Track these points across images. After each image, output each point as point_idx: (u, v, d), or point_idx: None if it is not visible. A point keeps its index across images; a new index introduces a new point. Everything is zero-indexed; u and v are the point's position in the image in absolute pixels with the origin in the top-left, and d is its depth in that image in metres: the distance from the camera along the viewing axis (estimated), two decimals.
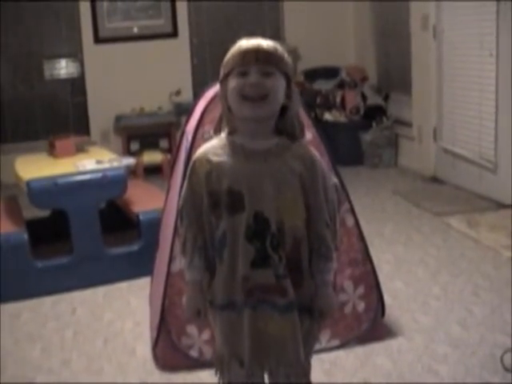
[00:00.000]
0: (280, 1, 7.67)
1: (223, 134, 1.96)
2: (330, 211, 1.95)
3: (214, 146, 1.94)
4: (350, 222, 3.15)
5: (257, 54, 1.85)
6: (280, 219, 1.88)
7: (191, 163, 1.95)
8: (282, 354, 1.94)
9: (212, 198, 1.88)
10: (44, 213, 4.86)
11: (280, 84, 1.88)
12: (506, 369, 2.92)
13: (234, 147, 1.90)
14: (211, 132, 2.03)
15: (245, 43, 1.89)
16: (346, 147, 6.82)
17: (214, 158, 1.89)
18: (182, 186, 2.97)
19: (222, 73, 1.93)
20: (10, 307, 3.92)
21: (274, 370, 1.98)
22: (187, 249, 1.95)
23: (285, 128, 1.93)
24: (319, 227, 1.93)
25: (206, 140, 2.93)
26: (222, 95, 1.93)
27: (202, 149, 1.96)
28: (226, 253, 1.89)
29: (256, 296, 1.90)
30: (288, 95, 1.91)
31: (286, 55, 1.92)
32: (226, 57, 1.93)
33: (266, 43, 1.89)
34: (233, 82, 1.87)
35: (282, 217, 1.88)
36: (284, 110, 1.92)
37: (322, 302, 1.98)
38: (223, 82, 1.92)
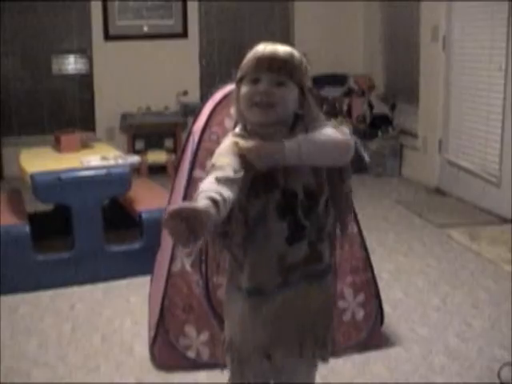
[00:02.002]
0: (291, 1, 7.67)
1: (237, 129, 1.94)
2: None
3: (238, 133, 1.90)
4: (352, 229, 3.14)
5: (270, 62, 1.83)
6: (306, 184, 1.86)
7: (230, 143, 1.83)
8: (316, 325, 1.95)
9: (246, 180, 1.80)
10: (47, 207, 4.87)
11: (292, 93, 1.85)
12: (503, 383, 2.91)
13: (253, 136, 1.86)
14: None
15: (261, 49, 1.86)
16: None
17: (243, 143, 1.82)
18: (186, 187, 3.01)
19: (238, 75, 1.91)
20: (9, 300, 3.92)
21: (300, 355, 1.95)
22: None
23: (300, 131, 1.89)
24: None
25: (213, 142, 2.97)
26: (236, 97, 1.92)
27: (232, 137, 1.87)
28: (259, 233, 1.85)
29: (293, 273, 1.88)
30: (302, 104, 1.87)
31: (303, 63, 1.88)
32: (244, 59, 1.90)
33: (282, 50, 1.85)
34: (244, 88, 1.86)
35: (306, 181, 1.86)
36: (297, 118, 1.89)
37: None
38: (238, 85, 1.90)
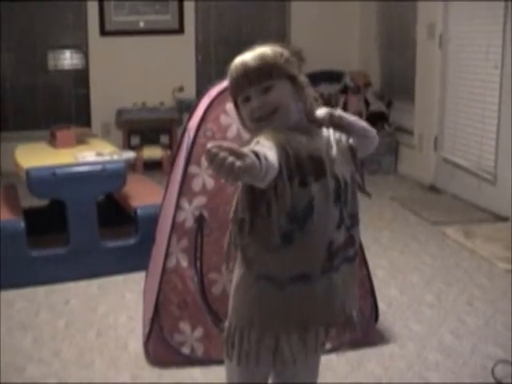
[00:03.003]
0: (287, 1, 7.68)
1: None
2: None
3: (267, 130, 1.85)
4: None
5: (246, 76, 1.83)
6: (342, 173, 1.89)
7: (260, 139, 1.78)
8: (351, 299, 2.00)
9: (293, 167, 1.78)
10: (42, 202, 4.86)
11: (284, 90, 1.85)
12: (496, 380, 2.92)
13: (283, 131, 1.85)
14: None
15: (234, 68, 1.87)
16: None
17: (280, 135, 1.81)
18: (182, 182, 3.01)
19: (231, 100, 1.93)
20: (4, 295, 3.92)
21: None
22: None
23: (308, 118, 1.91)
24: None
25: (208, 138, 2.97)
26: (239, 118, 1.94)
27: (263, 133, 1.83)
28: (310, 222, 1.82)
29: (337, 258, 1.90)
30: (298, 92, 1.87)
31: (279, 57, 1.86)
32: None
33: (252, 59, 1.84)
34: (242, 110, 1.88)
35: (342, 170, 1.89)
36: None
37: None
38: (236, 109, 1.92)
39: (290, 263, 1.86)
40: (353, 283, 2.01)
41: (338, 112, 1.96)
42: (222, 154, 1.46)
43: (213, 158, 1.46)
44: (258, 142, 1.73)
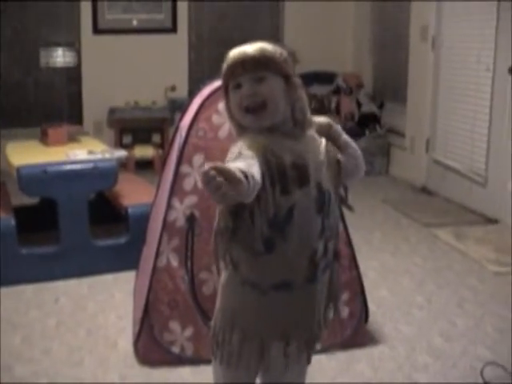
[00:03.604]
0: (281, 1, 7.68)
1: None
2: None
3: (248, 138, 1.86)
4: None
5: (243, 63, 1.84)
6: (327, 184, 1.89)
7: (241, 145, 1.80)
8: (330, 300, 2.01)
9: (275, 173, 1.79)
10: (32, 200, 4.84)
11: (276, 85, 1.86)
12: (486, 382, 2.93)
13: (262, 135, 1.86)
14: None
15: (231, 55, 1.88)
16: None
17: (263, 140, 1.82)
18: (173, 182, 3.00)
19: (222, 87, 1.93)
20: None
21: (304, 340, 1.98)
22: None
23: (294, 121, 1.90)
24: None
25: (200, 138, 2.96)
26: (227, 107, 1.93)
27: (245, 138, 1.85)
28: (291, 230, 1.83)
29: (320, 266, 1.90)
30: (290, 92, 1.88)
31: (277, 54, 1.88)
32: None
33: (252, 49, 1.86)
34: (232, 96, 1.88)
35: (328, 184, 1.90)
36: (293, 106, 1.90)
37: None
38: (225, 97, 1.92)
39: (273, 270, 1.86)
40: (330, 287, 2.01)
41: (338, 127, 1.99)
42: (218, 180, 1.47)
43: (208, 181, 1.48)
44: (240, 154, 1.73)
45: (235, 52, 1.88)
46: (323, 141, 1.93)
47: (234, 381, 2.01)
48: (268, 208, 1.80)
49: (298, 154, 1.84)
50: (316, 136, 1.94)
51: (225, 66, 1.89)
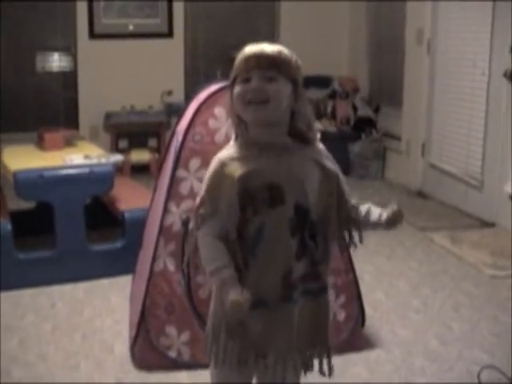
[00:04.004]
0: (277, 2, 7.68)
1: (232, 141, 1.97)
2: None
3: (234, 148, 1.92)
4: None
5: (258, 59, 1.86)
6: (316, 208, 1.90)
7: (216, 167, 1.89)
8: (315, 337, 1.99)
9: (246, 196, 1.84)
10: (29, 205, 4.84)
11: (284, 89, 1.88)
12: None
13: (251, 146, 1.90)
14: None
15: (248, 49, 1.90)
16: (334, 157, 6.80)
17: (241, 158, 1.87)
18: (169, 186, 3.00)
19: (230, 78, 1.94)
20: None
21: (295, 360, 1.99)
22: (207, 247, 1.90)
23: (295, 132, 1.93)
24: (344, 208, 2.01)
25: (196, 142, 2.97)
26: (230, 101, 1.94)
27: (224, 152, 1.92)
28: (261, 248, 1.87)
29: (297, 288, 1.91)
30: (295, 99, 1.91)
31: (293, 60, 1.91)
32: (234, 63, 1.94)
33: (270, 48, 1.89)
34: (237, 88, 1.89)
35: (317, 205, 1.91)
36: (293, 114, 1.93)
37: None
38: (231, 89, 1.93)
39: (250, 287, 1.88)
40: (316, 322, 1.99)
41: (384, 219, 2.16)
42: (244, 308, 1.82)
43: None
44: (219, 191, 1.86)
45: (253, 47, 1.90)
46: (323, 152, 1.97)
47: (228, 381, 2.03)
48: (240, 228, 1.86)
49: (281, 173, 1.87)
50: (318, 150, 1.97)
51: (239, 57, 1.90)
